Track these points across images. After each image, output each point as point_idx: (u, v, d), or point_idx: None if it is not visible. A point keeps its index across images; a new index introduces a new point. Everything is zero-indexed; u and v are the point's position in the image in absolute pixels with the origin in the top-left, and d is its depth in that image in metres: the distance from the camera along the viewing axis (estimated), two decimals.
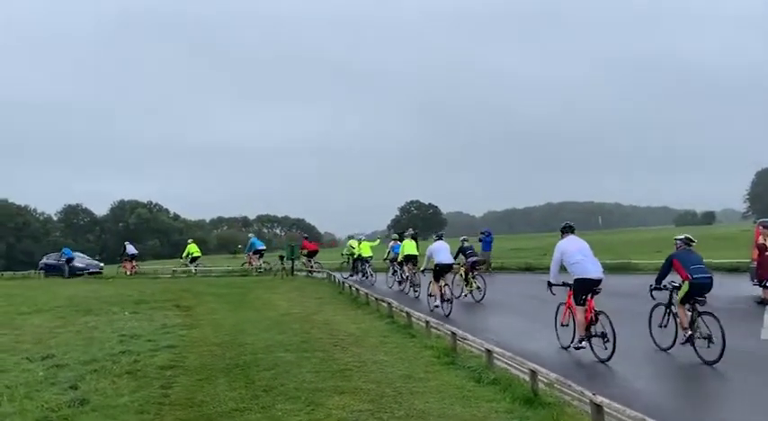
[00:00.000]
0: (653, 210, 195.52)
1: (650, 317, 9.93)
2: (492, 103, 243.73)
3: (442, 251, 14.75)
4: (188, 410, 6.83)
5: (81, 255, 36.47)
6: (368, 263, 22.61)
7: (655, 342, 9.65)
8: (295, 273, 26.49)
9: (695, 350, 8.81)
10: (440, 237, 15.96)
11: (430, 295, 14.91)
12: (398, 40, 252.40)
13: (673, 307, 9.50)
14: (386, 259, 22.16)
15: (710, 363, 8.43)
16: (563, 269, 9.90)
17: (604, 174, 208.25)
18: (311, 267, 26.72)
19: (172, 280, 27.17)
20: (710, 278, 9.11)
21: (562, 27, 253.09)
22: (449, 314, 13.77)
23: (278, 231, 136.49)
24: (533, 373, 7.15)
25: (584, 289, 9.42)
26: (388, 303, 13.55)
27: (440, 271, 14.48)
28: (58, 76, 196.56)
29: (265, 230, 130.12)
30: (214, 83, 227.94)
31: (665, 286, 9.65)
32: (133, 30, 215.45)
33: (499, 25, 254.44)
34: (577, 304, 9.45)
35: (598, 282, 9.45)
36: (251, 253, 29.54)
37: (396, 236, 25.26)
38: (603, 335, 9.00)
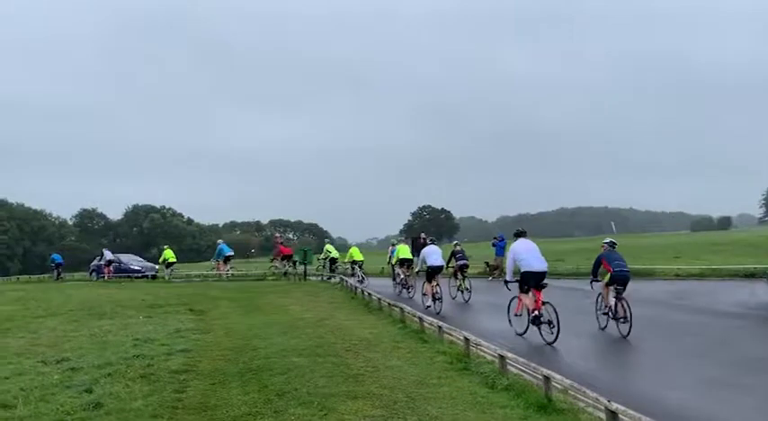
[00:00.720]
0: (668, 215, 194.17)
1: (596, 303, 12.61)
2: (505, 107, 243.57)
3: (433, 254, 16.08)
4: (201, 414, 6.83)
5: (137, 258, 36.86)
6: (359, 266, 24.05)
7: (598, 322, 12.21)
8: (308, 277, 26.55)
9: (617, 325, 11.42)
10: (432, 242, 17.36)
11: (424, 294, 16.19)
12: (407, 44, 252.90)
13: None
14: (389, 263, 23.33)
15: (625, 336, 11.08)
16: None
17: (618, 179, 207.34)
18: (287, 269, 28.53)
19: (185, 284, 27.31)
20: (628, 272, 11.94)
21: (574, 29, 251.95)
22: (439, 312, 14.93)
23: (291, 236, 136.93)
24: (547, 379, 7.09)
25: (529, 280, 11.27)
26: (401, 308, 13.53)
27: (431, 272, 15.83)
28: (70, 82, 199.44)
29: (278, 235, 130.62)
30: (223, 88, 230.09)
31: (598, 279, 12.42)
32: (138, 35, 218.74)
33: (511, 27, 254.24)
34: (521, 292, 11.41)
35: (541, 274, 11.35)
36: (220, 259, 30.31)
37: (394, 240, 27.22)
38: (550, 323, 10.77)
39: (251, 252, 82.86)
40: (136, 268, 32.82)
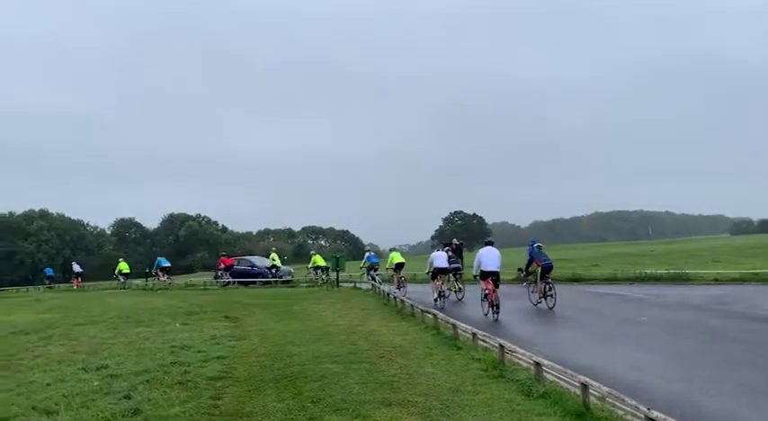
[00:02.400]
0: (706, 218, 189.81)
1: (528, 289, 17.65)
2: (535, 110, 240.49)
3: (439, 258, 18.76)
4: None
5: (265, 260, 35.25)
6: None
7: (531, 301, 16.94)
8: (340, 284, 26.62)
9: (546, 304, 16.11)
10: (443, 247, 20.76)
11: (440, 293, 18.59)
12: (426, 47, 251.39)
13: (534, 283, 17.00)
14: (361, 267, 26.85)
15: (551, 308, 15.87)
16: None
17: (654, 182, 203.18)
18: (221, 278, 32.10)
19: (221, 291, 27.65)
20: (551, 262, 17.05)
21: (601, 28, 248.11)
22: (443, 307, 17.37)
23: (323, 242, 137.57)
24: (585, 387, 6.97)
25: (485, 275, 15.18)
26: (434, 315, 13.46)
27: (436, 273, 18.47)
28: (93, 92, 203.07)
29: (310, 242, 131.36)
30: (244, 96, 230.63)
31: (531, 272, 17.38)
32: (152, 45, 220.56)
33: (535, 28, 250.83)
34: (483, 280, 15.27)
35: (493, 272, 15.13)
36: (158, 270, 34.59)
37: (368, 247, 33.94)
38: (496, 306, 14.74)
39: (283, 259, 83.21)
40: (267, 272, 31.24)
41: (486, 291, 15.16)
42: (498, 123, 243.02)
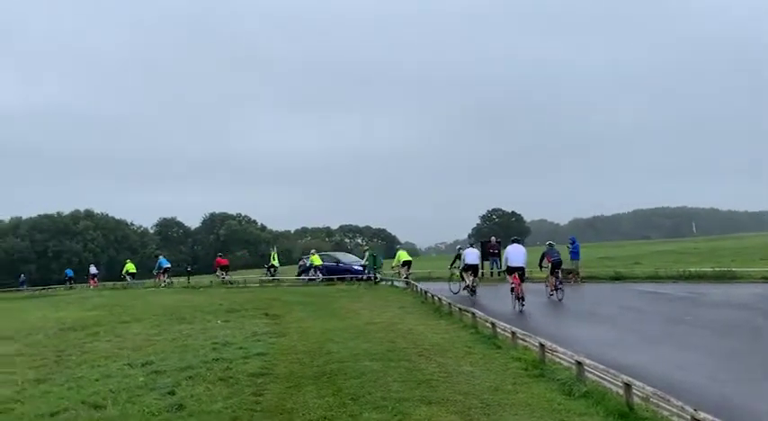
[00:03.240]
0: (752, 214, 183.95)
1: (546, 283, 18.58)
2: (572, 104, 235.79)
3: (470, 254, 20.28)
4: (278, 417, 6.99)
5: (353, 257, 35.04)
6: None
7: (548, 295, 18.25)
8: (378, 282, 26.70)
9: (557, 297, 17.80)
10: (471, 245, 22.21)
11: (465, 285, 20.21)
12: (457, 44, 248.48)
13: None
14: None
15: (560, 300, 17.56)
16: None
17: (697, 178, 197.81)
18: (224, 279, 32.92)
19: (260, 289, 28.01)
20: (560, 257, 18.79)
21: (639, 20, 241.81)
22: (470, 296, 19.12)
23: (359, 241, 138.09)
24: (628, 386, 6.85)
25: (511, 270, 16.49)
26: (473, 313, 13.39)
27: (466, 268, 20.03)
28: (130, 94, 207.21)
29: (347, 240, 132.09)
30: (276, 95, 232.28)
31: (544, 267, 18.78)
32: (176, 43, 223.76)
33: (568, 20, 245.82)
34: (509, 275, 16.53)
35: (519, 268, 16.46)
36: (160, 271, 35.39)
37: (366, 247, 34.31)
38: (521, 299, 16.00)
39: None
40: (357, 268, 29.91)
41: (513, 285, 16.31)
42: (537, 119, 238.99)
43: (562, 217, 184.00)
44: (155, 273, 36.56)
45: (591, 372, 8.05)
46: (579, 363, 8.09)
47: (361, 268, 29.26)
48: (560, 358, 9.25)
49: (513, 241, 17.77)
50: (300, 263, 33.49)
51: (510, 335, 11.07)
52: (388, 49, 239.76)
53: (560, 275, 18.42)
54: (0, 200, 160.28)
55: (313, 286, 27.64)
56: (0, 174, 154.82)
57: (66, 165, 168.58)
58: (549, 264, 18.38)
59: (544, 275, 19.26)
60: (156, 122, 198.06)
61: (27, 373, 10.22)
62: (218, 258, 35.85)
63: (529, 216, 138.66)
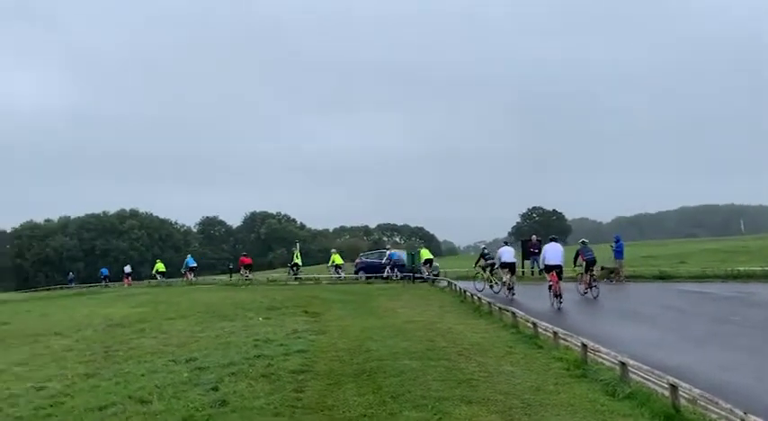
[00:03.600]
0: None
1: (579, 281, 18.96)
2: (613, 100, 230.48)
3: (506, 253, 20.11)
4: (319, 414, 7.05)
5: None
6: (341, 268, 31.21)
7: (579, 292, 18.55)
8: (416, 281, 26.68)
9: (591, 294, 18.08)
10: (506, 243, 22.29)
11: (502, 282, 20.43)
12: (496, 40, 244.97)
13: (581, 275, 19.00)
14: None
15: (595, 298, 17.85)
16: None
17: (746, 174, 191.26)
18: (247, 277, 33.99)
19: (300, 287, 28.30)
20: (594, 256, 19.03)
21: (692, 12, 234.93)
22: (507, 295, 19.15)
23: (397, 239, 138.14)
24: (674, 388, 6.70)
25: (549, 268, 16.88)
26: (513, 312, 13.27)
27: (503, 266, 19.96)
28: (170, 94, 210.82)
29: (385, 238, 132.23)
30: (318, 92, 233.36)
31: (578, 265, 19.05)
32: (215, 45, 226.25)
33: (613, 12, 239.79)
34: (548, 273, 16.95)
35: (557, 266, 16.79)
36: (187, 269, 37.84)
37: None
38: (559, 296, 16.27)
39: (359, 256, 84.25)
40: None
41: (551, 283, 16.60)
42: (576, 114, 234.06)
43: (605, 215, 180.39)
44: (182, 271, 38.88)
45: (635, 373, 7.90)
46: (623, 364, 7.94)
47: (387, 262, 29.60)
48: (603, 358, 9.10)
49: (551, 240, 18.19)
50: (384, 260, 30.57)
51: (551, 335, 10.94)
52: (425, 48, 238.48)
53: (595, 273, 18.91)
54: (48, 199, 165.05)
55: (352, 284, 27.78)
56: (48, 174, 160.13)
57: (110, 164, 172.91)
58: (584, 263, 18.71)
59: (575, 274, 19.55)
60: (197, 123, 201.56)
61: (77, 368, 10.54)
62: (243, 257, 37.10)
63: (570, 214, 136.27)
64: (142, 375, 9.54)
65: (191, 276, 37.67)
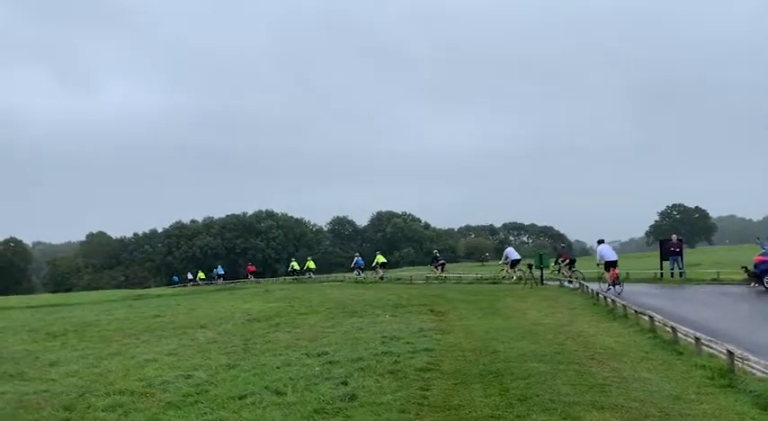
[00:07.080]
0: None
1: (601, 277, 21.85)
2: (757, 87, 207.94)
3: (607, 251, 21.66)
4: (445, 413, 7.07)
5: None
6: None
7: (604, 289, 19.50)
8: (545, 282, 25.94)
9: (614, 290, 19.65)
10: (601, 242, 22.58)
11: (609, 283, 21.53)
12: (609, 31, 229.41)
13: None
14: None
15: (618, 294, 18.47)
16: None
17: None
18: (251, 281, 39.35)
19: (425, 285, 28.52)
20: (616, 258, 21.76)
21: None
22: (619, 293, 19.33)
23: (525, 239, 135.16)
24: None
25: (608, 265, 20.78)
26: (650, 316, 12.54)
27: (608, 265, 21.33)
28: (279, 95, 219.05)
29: (512, 238, 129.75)
30: (421, 89, 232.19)
31: (599, 264, 21.89)
32: (313, 42, 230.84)
33: None
34: (606, 270, 20.82)
35: (614, 261, 21.04)
36: (216, 278, 43.84)
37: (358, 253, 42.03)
38: (619, 283, 20.12)
39: (485, 256, 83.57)
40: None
41: (612, 275, 20.74)
42: (716, 99, 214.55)
43: (754, 212, 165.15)
44: (213, 278, 44.85)
45: None
46: None
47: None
48: (752, 367, 8.36)
49: (599, 242, 22.22)
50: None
51: (693, 341, 10.22)
52: (534, 41, 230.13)
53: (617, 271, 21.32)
54: (192, 201, 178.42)
55: (477, 284, 27.56)
56: (190, 177, 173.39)
57: (245, 166, 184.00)
58: (605, 262, 21.28)
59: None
60: (311, 124, 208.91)
61: (219, 359, 11.29)
62: (249, 266, 42.44)
63: (715, 212, 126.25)
64: (277, 367, 10.04)
65: (220, 282, 43.15)
